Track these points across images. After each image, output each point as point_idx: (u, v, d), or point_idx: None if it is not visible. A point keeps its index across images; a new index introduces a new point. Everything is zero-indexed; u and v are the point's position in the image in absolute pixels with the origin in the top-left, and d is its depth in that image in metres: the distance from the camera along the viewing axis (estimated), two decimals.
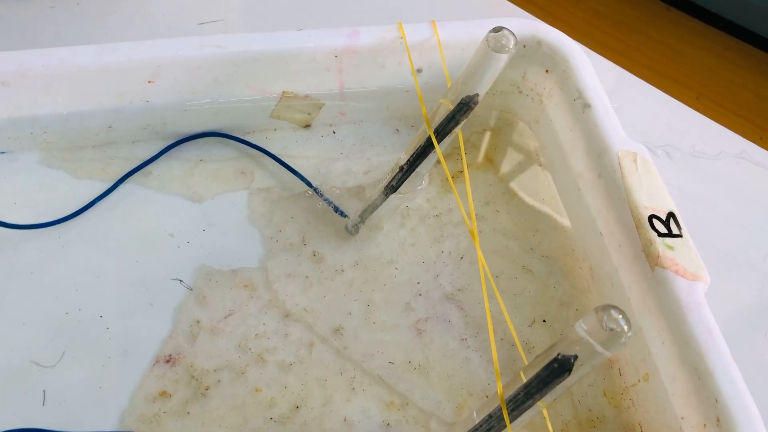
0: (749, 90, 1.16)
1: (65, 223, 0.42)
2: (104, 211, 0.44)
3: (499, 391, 0.32)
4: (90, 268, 0.41)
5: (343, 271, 0.43)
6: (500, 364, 0.40)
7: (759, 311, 0.47)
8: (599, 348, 0.29)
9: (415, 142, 0.40)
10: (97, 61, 0.42)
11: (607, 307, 0.29)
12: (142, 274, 0.41)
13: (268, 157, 0.46)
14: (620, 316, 0.29)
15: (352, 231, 0.44)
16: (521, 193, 0.48)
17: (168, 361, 0.39)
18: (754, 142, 0.55)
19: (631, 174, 0.41)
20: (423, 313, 0.42)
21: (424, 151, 0.40)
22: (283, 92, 0.46)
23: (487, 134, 0.51)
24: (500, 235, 0.46)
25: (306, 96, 0.47)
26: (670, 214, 0.40)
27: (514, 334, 0.36)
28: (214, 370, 0.39)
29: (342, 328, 0.41)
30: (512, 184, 0.48)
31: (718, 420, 0.33)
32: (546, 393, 0.31)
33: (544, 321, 0.42)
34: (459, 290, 0.43)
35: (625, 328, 0.29)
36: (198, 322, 0.40)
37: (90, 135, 0.46)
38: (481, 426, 0.34)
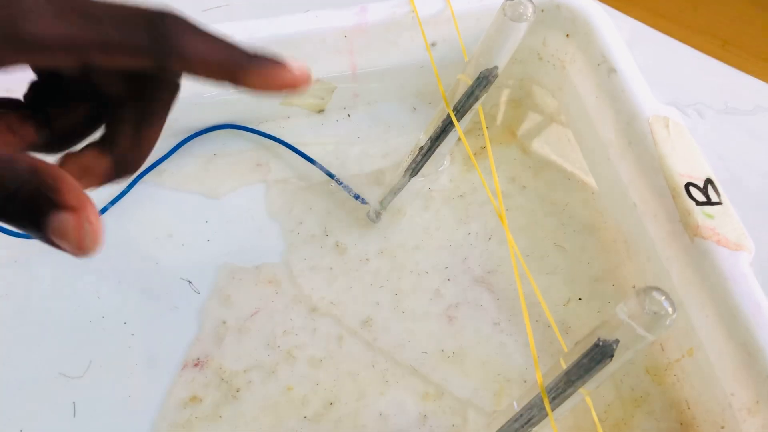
0: None
1: None
2: (120, 214, 0.43)
3: (539, 380, 0.31)
4: (110, 273, 0.40)
5: (367, 260, 0.42)
6: (537, 347, 0.39)
7: None
8: (642, 332, 0.28)
9: (434, 121, 0.39)
10: None
11: (648, 290, 0.28)
12: (164, 276, 0.40)
13: (283, 147, 0.45)
14: (663, 298, 0.27)
15: (374, 218, 0.43)
16: (548, 167, 0.46)
17: (196, 365, 0.38)
18: None
19: (663, 140, 0.39)
20: (453, 299, 0.40)
21: (444, 130, 0.38)
22: None
23: (509, 106, 0.49)
24: (528, 211, 0.44)
25: (317, 80, 0.45)
26: (708, 181, 0.37)
27: (550, 317, 0.34)
28: (244, 371, 0.38)
29: (371, 319, 0.40)
30: (538, 157, 0.46)
31: None
32: (587, 380, 0.30)
33: (580, 299, 0.41)
34: (489, 272, 0.41)
35: (669, 310, 0.27)
36: (224, 322, 0.39)
37: None
38: (521, 416, 0.32)
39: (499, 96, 0.49)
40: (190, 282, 0.40)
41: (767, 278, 0.35)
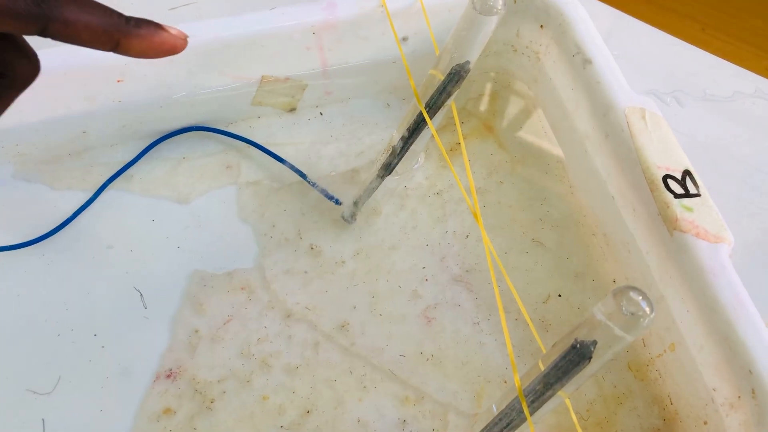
0: (757, 15, 1.11)
1: (49, 239, 0.40)
2: (88, 222, 0.41)
3: (516, 384, 0.30)
4: (78, 284, 0.39)
5: (343, 262, 0.41)
6: (517, 346, 0.38)
7: None
8: (620, 332, 0.27)
9: (406, 118, 0.38)
10: (62, 64, 0.40)
11: (626, 290, 0.27)
12: (133, 285, 0.39)
13: (254, 148, 0.44)
14: (641, 298, 0.27)
15: (349, 219, 0.42)
16: (525, 161, 0.45)
17: (169, 376, 0.37)
18: None
19: (640, 132, 0.38)
20: (431, 300, 0.40)
21: (417, 127, 0.37)
22: (263, 77, 0.43)
23: (484, 99, 0.48)
24: (506, 207, 0.43)
25: (287, 78, 0.44)
26: (686, 173, 0.37)
27: (527, 316, 0.33)
28: (218, 381, 0.37)
29: (347, 323, 0.39)
30: (515, 152, 0.45)
31: (753, 392, 0.31)
32: (566, 382, 0.29)
33: (560, 295, 0.40)
34: (467, 271, 0.41)
35: (647, 310, 0.26)
36: (196, 331, 0.38)
37: (65, 142, 0.43)
38: (501, 420, 0.32)
39: (475, 89, 0.48)
40: (141, 294, 0.39)
41: (747, 265, 0.34)
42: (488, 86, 0.48)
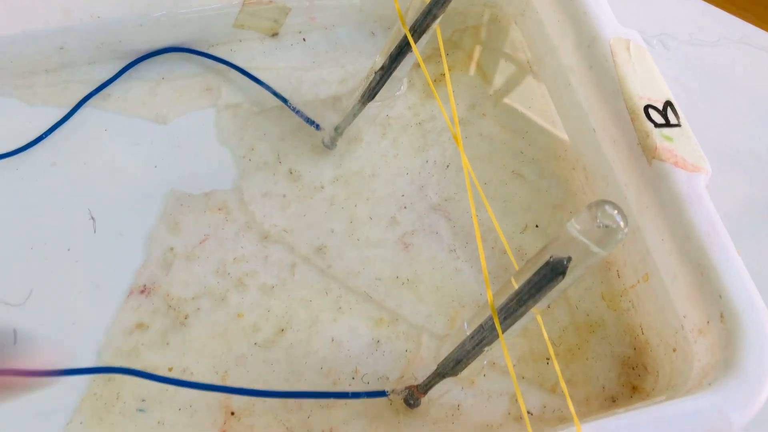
0: None
1: (22, 153, 0.40)
2: (63, 139, 0.41)
3: (489, 300, 0.30)
4: (52, 199, 0.39)
5: (322, 187, 0.41)
6: (492, 273, 0.39)
7: (765, 205, 0.44)
8: (594, 248, 0.27)
9: (390, 41, 0.37)
10: None
11: (601, 203, 0.27)
12: (108, 203, 0.39)
13: (234, 72, 0.43)
14: (615, 212, 0.27)
15: (330, 145, 0.42)
16: (509, 94, 0.45)
17: (143, 292, 0.37)
18: (757, 24, 0.51)
19: (624, 63, 0.38)
20: (409, 227, 0.40)
21: (400, 51, 0.37)
22: None
23: (470, 32, 0.47)
24: (487, 140, 0.43)
25: (271, 1, 0.43)
26: (668, 103, 0.37)
27: (504, 240, 0.34)
28: (192, 298, 0.37)
29: (324, 246, 0.39)
30: (499, 85, 0.45)
31: (722, 316, 0.31)
32: (539, 299, 0.29)
33: (537, 226, 0.40)
34: (446, 200, 0.41)
35: (621, 224, 0.26)
36: (171, 249, 0.38)
37: (41, 58, 0.42)
38: (472, 337, 0.32)
39: (461, 22, 0.48)
40: (93, 219, 0.38)
41: (718, 205, 0.34)
42: (474, 20, 0.48)
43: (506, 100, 0.44)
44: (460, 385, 0.35)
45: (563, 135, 0.43)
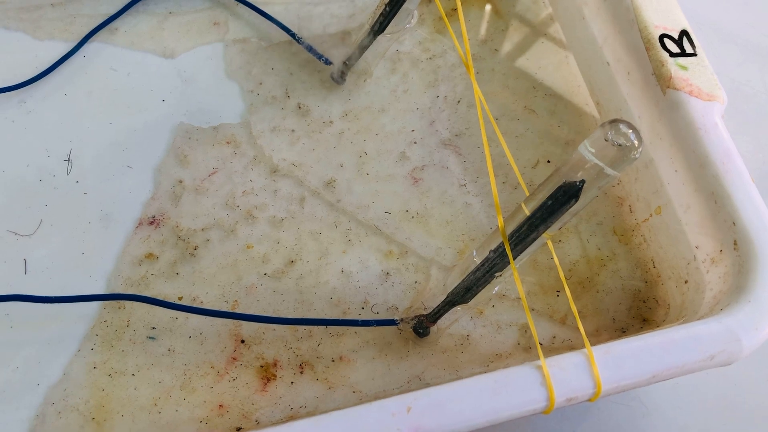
0: None
1: (28, 87, 0.39)
2: (70, 72, 0.40)
3: (500, 224, 0.30)
4: (60, 132, 0.39)
5: (331, 122, 0.40)
6: (503, 206, 0.38)
7: None
8: (608, 170, 0.27)
9: None
10: None
11: (615, 122, 0.26)
12: (117, 135, 0.39)
13: (242, 5, 0.42)
14: (630, 130, 0.26)
15: (339, 79, 0.41)
16: (521, 29, 0.44)
17: (152, 223, 0.37)
18: None
19: None
20: (419, 162, 0.39)
21: None
22: None
23: None
24: (499, 75, 0.42)
25: None
26: (683, 32, 0.36)
27: (517, 172, 0.33)
28: (202, 230, 0.37)
29: (334, 180, 0.38)
30: (511, 20, 0.44)
31: (735, 243, 0.31)
32: (551, 223, 0.29)
33: (549, 162, 0.40)
34: (456, 135, 0.40)
35: (636, 142, 0.26)
36: (180, 181, 0.38)
37: None
38: (483, 265, 0.32)
39: None
40: (69, 160, 0.37)
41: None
42: None
43: (519, 35, 0.44)
44: (468, 315, 0.35)
45: (576, 70, 0.42)
